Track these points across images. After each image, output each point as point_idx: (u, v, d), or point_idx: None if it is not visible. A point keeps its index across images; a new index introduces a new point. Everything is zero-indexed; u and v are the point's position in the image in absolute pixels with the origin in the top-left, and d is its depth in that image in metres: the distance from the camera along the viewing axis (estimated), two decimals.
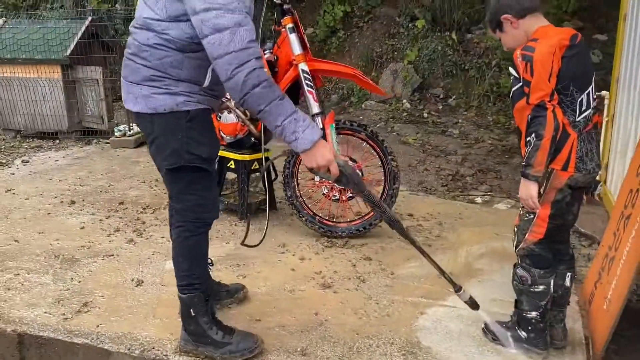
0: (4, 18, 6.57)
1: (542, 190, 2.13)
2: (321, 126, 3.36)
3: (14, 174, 4.86)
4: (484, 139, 6.31)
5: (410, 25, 8.33)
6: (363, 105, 7.64)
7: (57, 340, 2.38)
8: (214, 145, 2.29)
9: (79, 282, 2.89)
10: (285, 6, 3.36)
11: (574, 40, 2.09)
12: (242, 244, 2.87)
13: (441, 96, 7.79)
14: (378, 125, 6.87)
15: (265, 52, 3.56)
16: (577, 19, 8.10)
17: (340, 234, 3.49)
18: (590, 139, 2.14)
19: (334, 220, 3.58)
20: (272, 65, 3.54)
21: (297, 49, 3.37)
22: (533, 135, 2.03)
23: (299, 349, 2.32)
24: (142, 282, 2.89)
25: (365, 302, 2.74)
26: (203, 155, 2.17)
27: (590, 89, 2.11)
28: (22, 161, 5.33)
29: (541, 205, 2.14)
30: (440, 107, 7.62)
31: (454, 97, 7.68)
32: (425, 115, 7.34)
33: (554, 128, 2.00)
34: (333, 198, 3.56)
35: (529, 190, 2.09)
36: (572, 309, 2.69)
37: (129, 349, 2.31)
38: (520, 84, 2.08)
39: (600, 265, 2.89)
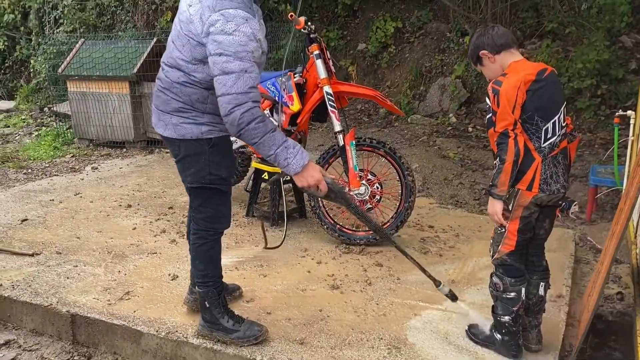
0: (82, 39, 7.35)
1: (510, 207, 2.38)
2: (342, 143, 3.71)
3: (83, 179, 5.51)
4: None
5: (460, 40, 8.50)
6: (409, 119, 7.90)
7: (101, 321, 2.86)
8: (232, 166, 2.70)
9: (125, 274, 3.38)
10: (312, 35, 3.74)
11: (540, 75, 2.33)
12: (265, 247, 3.29)
13: (485, 109, 7.91)
14: (420, 139, 7.12)
15: (296, 75, 3.96)
16: (637, 32, 8.00)
17: (358, 241, 3.82)
18: (556, 163, 2.37)
19: (354, 229, 3.91)
20: (301, 87, 3.93)
21: (322, 73, 3.74)
22: (498, 159, 2.30)
23: (298, 339, 2.68)
24: (177, 277, 3.34)
25: (366, 303, 3.06)
26: (222, 175, 2.57)
27: (556, 118, 2.34)
28: (92, 168, 6.00)
29: (510, 221, 2.40)
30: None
31: None
32: (470, 129, 7.50)
33: (515, 154, 2.26)
34: None
35: (494, 207, 2.36)
36: (558, 318, 2.90)
37: (156, 331, 2.75)
38: (491, 113, 2.36)
39: (592, 280, 3.08)
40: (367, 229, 3.88)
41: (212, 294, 2.63)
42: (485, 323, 2.66)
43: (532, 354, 2.57)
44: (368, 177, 3.82)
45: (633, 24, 7.82)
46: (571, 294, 3.25)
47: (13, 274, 3.37)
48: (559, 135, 2.36)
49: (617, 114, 4.46)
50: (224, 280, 3.02)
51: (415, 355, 2.57)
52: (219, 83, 2.26)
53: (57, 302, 3.03)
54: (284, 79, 3.93)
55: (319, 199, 3.92)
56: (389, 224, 3.83)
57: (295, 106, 3.85)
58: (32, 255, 3.63)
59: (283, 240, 3.24)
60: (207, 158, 2.51)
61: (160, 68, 2.55)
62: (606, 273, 2.51)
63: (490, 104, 2.35)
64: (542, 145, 2.33)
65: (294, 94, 3.86)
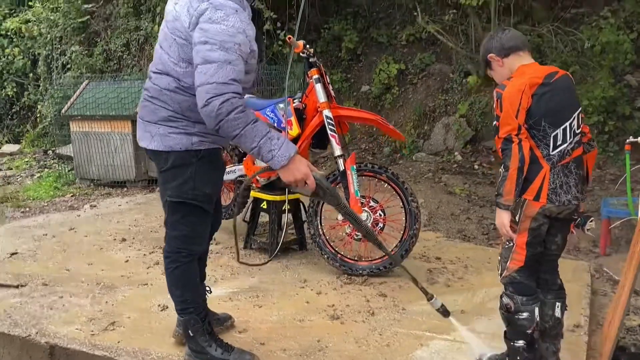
0: (87, 80, 7.37)
1: (517, 218, 2.21)
2: (342, 167, 3.58)
3: (79, 215, 5.37)
4: None
5: (464, 80, 8.48)
6: (414, 157, 7.79)
7: (81, 352, 2.66)
8: (218, 183, 2.53)
9: (112, 305, 3.19)
10: (311, 59, 3.67)
11: (549, 79, 2.21)
12: (239, 261, 3.00)
13: (494, 148, 7.79)
14: (426, 176, 6.98)
15: (295, 100, 3.87)
16: None
17: (360, 272, 3.62)
18: (568, 172, 2.21)
19: (355, 258, 3.72)
20: (300, 112, 3.83)
21: (321, 97, 3.64)
22: (502, 166, 2.15)
23: None
24: (167, 307, 3.14)
25: (369, 333, 2.84)
26: (207, 191, 2.40)
27: (567, 124, 2.20)
28: (90, 206, 5.87)
29: (518, 233, 2.22)
30: (493, 159, 7.62)
31: None
32: (476, 167, 7.36)
33: (519, 160, 2.11)
34: (355, 237, 3.71)
35: (501, 218, 2.19)
36: (578, 348, 2.67)
37: None
38: (496, 119, 2.22)
39: (613, 306, 2.86)
40: (370, 259, 3.71)
41: (194, 321, 2.43)
42: (486, 351, 2.46)
43: None
44: (370, 204, 3.65)
45: (638, 64, 7.76)
46: (590, 326, 3.02)
47: None
48: (571, 143, 2.21)
49: (628, 140, 4.32)
50: (215, 310, 2.84)
51: None
52: (199, 72, 2.12)
53: (37, 333, 2.84)
54: (282, 105, 3.83)
55: (319, 227, 3.75)
56: (392, 253, 3.63)
57: (294, 130, 3.73)
58: (17, 287, 3.45)
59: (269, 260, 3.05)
60: (193, 171, 2.35)
61: (148, 77, 2.45)
62: (628, 296, 2.31)
63: (494, 109, 2.22)
64: (551, 153, 2.18)
65: (293, 119, 3.76)
